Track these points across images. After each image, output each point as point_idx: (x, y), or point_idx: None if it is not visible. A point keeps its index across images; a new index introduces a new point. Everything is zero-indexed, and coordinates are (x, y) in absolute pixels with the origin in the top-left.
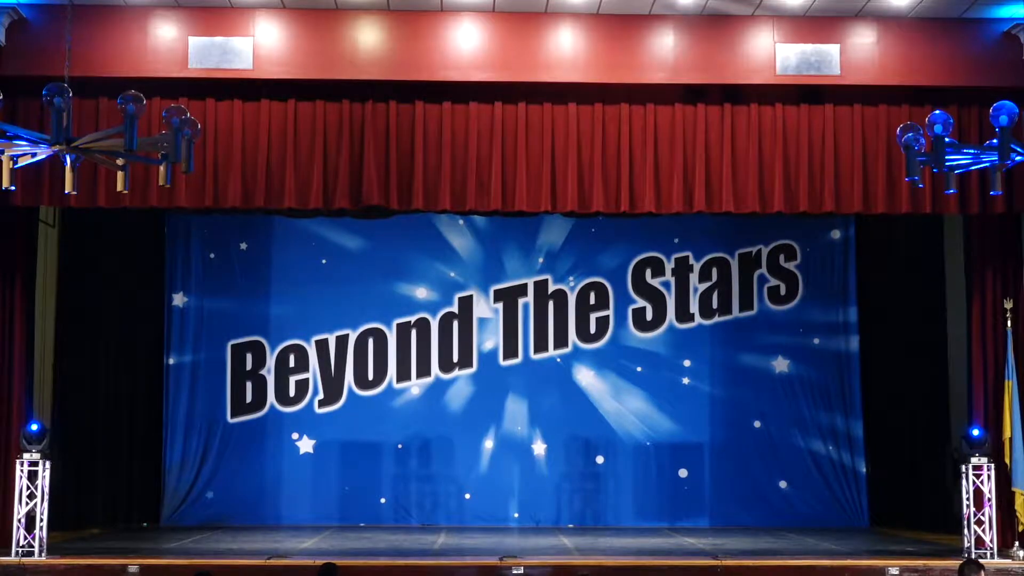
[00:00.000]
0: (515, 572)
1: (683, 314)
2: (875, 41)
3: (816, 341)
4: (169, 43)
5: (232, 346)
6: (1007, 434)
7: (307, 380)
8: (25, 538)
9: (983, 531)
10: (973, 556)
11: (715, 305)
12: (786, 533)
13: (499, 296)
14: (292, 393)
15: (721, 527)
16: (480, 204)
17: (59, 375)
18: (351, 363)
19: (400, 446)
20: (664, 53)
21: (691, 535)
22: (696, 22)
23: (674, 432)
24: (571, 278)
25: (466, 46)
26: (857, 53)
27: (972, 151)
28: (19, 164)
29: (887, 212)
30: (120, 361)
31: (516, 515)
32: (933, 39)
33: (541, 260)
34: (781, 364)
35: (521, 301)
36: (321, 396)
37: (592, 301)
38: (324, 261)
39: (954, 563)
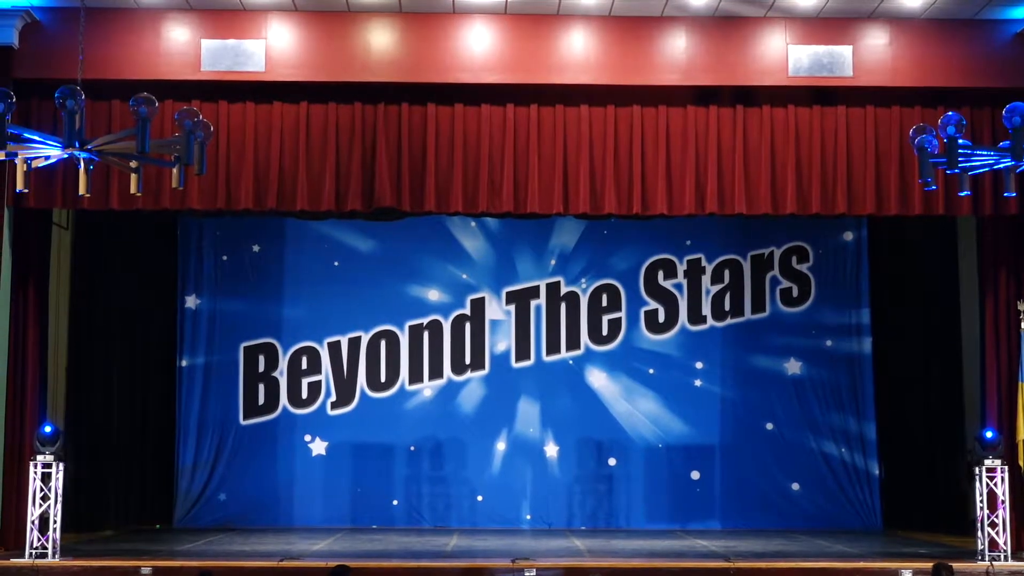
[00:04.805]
0: (527, 574)
1: (695, 316)
2: (888, 43)
3: (828, 343)
4: (181, 46)
5: (245, 348)
6: (1020, 436)
7: (319, 382)
8: (39, 540)
9: (997, 533)
10: (986, 559)
11: (727, 307)
12: (798, 535)
13: (511, 298)
14: (304, 395)
15: (733, 529)
16: (492, 206)
17: (72, 377)
18: (363, 365)
19: (412, 448)
20: (676, 55)
21: (703, 537)
22: (708, 24)
23: (686, 434)
24: (583, 280)
25: (478, 48)
26: (870, 54)
27: (985, 152)
28: (32, 167)
29: (900, 214)
30: (133, 363)
31: (528, 517)
32: (946, 40)
33: (553, 262)
34: (793, 366)
35: (533, 303)
36: (333, 398)
37: (604, 303)
38: (336, 263)
39: (968, 565)
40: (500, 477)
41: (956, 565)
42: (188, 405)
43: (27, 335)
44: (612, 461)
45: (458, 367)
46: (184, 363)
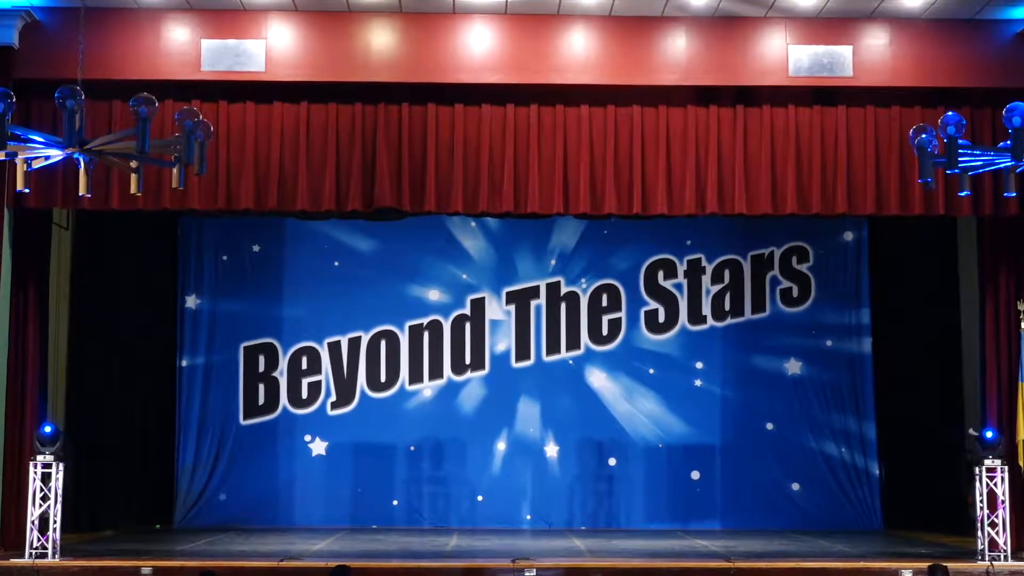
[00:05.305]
0: (527, 574)
1: (695, 316)
2: (888, 43)
3: (829, 343)
4: (182, 46)
5: (245, 348)
6: (1020, 436)
7: (319, 382)
8: (38, 540)
9: (996, 533)
10: (986, 559)
11: (727, 307)
12: (798, 535)
13: (511, 298)
14: (305, 395)
15: (733, 529)
16: (492, 206)
17: (72, 377)
18: (363, 365)
19: (412, 448)
20: (676, 55)
21: (703, 537)
22: (708, 24)
23: (686, 434)
24: (583, 280)
25: (478, 48)
26: (870, 54)
27: (985, 152)
28: (33, 167)
29: (900, 214)
30: (133, 363)
31: (528, 517)
32: (946, 40)
33: (553, 262)
34: (793, 366)
35: (533, 303)
36: (333, 398)
37: (604, 303)
38: (336, 263)
39: (968, 565)
40: (500, 477)
41: (956, 565)
42: (188, 405)
43: (27, 335)
44: (612, 461)
45: (458, 367)
46: (184, 363)
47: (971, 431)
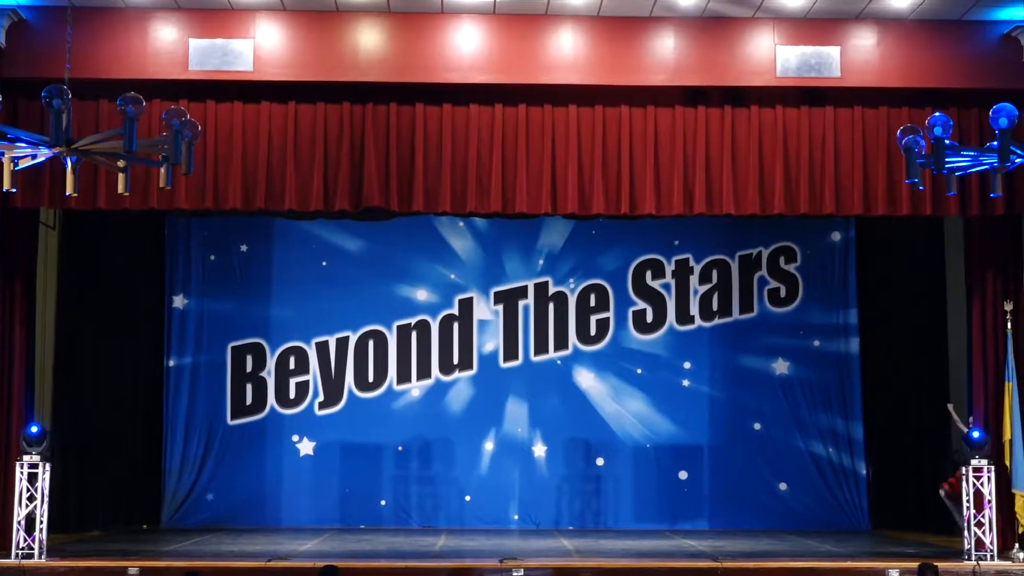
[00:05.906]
0: (515, 574)
1: (683, 316)
2: (875, 43)
3: (816, 343)
4: (169, 45)
5: (232, 348)
6: (1007, 436)
7: (307, 382)
8: (25, 540)
9: (983, 533)
10: (972, 558)
11: (715, 307)
12: (786, 535)
13: (499, 298)
14: (292, 395)
15: (721, 529)
16: (480, 206)
17: (59, 377)
18: (351, 365)
19: (400, 448)
20: (664, 55)
21: (691, 537)
22: (696, 24)
23: (674, 434)
24: (571, 280)
25: (466, 48)
26: (857, 55)
27: (972, 153)
28: (20, 166)
29: (887, 214)
30: (120, 363)
31: (516, 517)
32: (933, 41)
33: (541, 262)
34: (781, 366)
35: (521, 303)
36: (321, 398)
37: (592, 303)
38: (324, 263)
39: (955, 565)
40: (488, 477)
41: (943, 565)
42: (176, 405)
43: (14, 335)
44: (600, 461)
45: (446, 367)
46: (172, 363)
47: (949, 405)
